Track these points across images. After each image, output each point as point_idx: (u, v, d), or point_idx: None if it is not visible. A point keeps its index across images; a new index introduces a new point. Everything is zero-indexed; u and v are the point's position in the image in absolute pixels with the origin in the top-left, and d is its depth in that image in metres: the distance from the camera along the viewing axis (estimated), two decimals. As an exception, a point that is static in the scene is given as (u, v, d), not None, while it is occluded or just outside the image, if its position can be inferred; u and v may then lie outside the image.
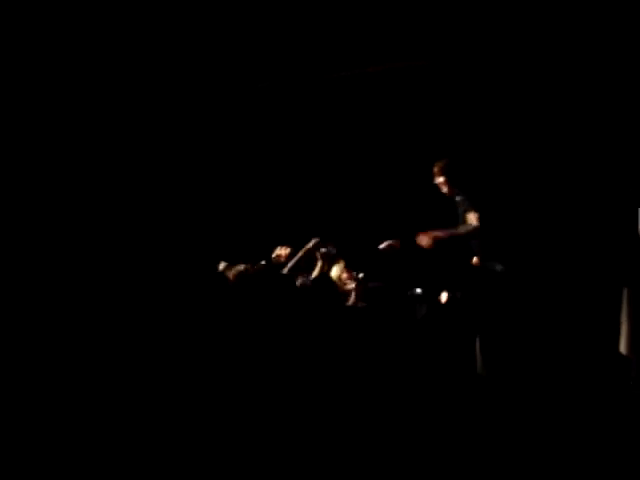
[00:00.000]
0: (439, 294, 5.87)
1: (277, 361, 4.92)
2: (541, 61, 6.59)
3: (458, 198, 5.85)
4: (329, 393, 4.90)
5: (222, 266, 5.73)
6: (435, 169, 5.90)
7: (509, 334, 5.66)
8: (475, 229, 5.65)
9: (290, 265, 5.78)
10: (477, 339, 5.64)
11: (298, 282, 5.52)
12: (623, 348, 6.03)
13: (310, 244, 5.89)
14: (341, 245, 6.04)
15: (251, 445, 4.46)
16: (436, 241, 5.60)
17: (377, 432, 4.76)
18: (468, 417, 5.02)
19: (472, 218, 5.65)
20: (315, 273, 5.76)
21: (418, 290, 5.85)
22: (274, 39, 6.74)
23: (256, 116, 7.48)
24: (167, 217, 7.23)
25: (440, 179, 5.87)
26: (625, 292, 6.18)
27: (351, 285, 5.81)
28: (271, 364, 4.90)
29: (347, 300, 5.61)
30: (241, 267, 5.44)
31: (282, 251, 6.06)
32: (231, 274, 5.39)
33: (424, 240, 5.61)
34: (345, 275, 5.93)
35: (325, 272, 5.82)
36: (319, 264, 5.83)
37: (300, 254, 5.87)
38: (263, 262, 5.96)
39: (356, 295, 5.62)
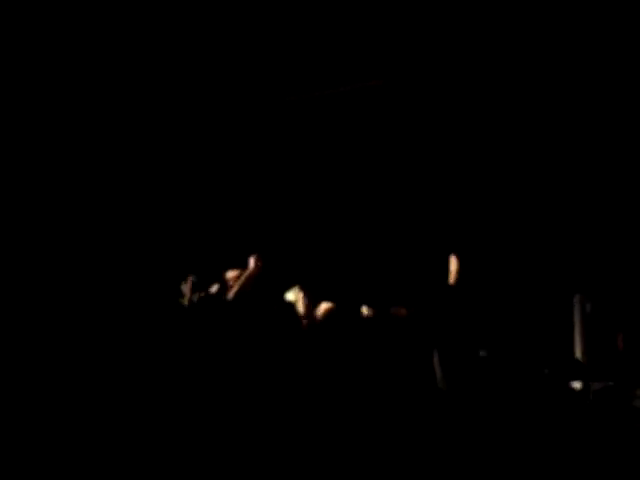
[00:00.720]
0: (396, 312, 5.86)
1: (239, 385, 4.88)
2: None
3: None
4: (290, 413, 4.86)
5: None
6: None
7: (466, 347, 5.68)
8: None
9: (234, 291, 5.60)
10: (435, 353, 5.64)
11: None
12: (578, 354, 6.11)
13: (251, 265, 5.68)
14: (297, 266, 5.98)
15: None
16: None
17: (340, 446, 4.74)
18: (429, 429, 5.02)
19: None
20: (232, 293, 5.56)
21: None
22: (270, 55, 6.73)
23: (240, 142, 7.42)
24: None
25: None
26: (577, 300, 6.27)
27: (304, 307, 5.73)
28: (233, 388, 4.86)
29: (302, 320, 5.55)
30: (193, 296, 5.36)
31: (232, 274, 5.94)
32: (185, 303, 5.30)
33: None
34: (303, 297, 5.84)
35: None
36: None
37: (243, 279, 5.68)
38: (216, 286, 5.85)
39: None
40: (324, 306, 5.74)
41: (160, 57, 6.81)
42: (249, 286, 5.56)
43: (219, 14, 6.51)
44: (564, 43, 6.50)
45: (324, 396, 5.08)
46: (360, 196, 7.15)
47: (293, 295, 5.80)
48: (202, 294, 5.49)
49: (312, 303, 5.74)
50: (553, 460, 5.17)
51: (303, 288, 5.90)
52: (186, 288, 5.45)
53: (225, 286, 5.91)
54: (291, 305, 5.60)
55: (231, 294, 5.53)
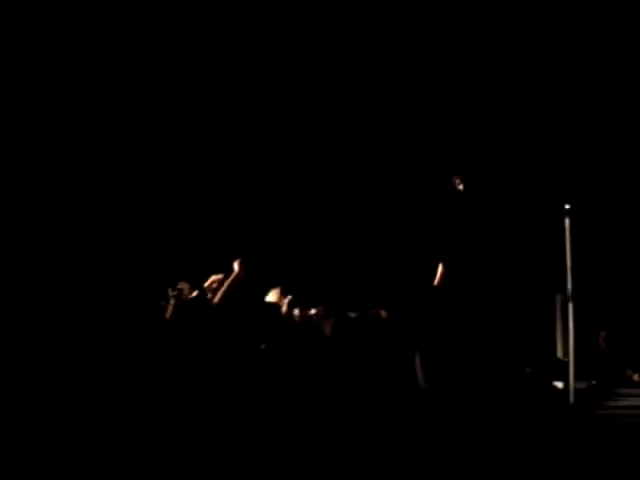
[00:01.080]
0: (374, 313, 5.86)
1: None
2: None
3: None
4: (274, 411, 4.86)
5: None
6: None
7: (448, 348, 5.68)
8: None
9: (221, 294, 5.61)
10: (417, 354, 5.64)
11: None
12: (559, 353, 6.12)
13: (236, 269, 5.68)
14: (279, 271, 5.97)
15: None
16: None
17: (324, 445, 4.74)
18: (411, 427, 5.03)
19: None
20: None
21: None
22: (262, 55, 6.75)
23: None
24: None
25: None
26: (558, 299, 6.28)
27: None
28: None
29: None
30: (173, 301, 5.37)
31: (215, 277, 5.94)
32: (168, 309, 5.31)
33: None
34: (283, 300, 5.85)
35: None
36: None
37: (229, 282, 5.69)
38: (196, 292, 5.85)
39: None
40: (305, 308, 5.77)
41: (159, 58, 6.81)
42: (234, 289, 5.58)
43: (219, 14, 6.52)
44: (563, 43, 6.53)
45: (307, 395, 5.08)
46: (350, 196, 7.17)
47: (273, 297, 5.82)
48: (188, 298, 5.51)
49: (293, 304, 5.76)
50: (536, 459, 5.17)
51: (283, 290, 5.92)
52: (171, 292, 5.47)
53: (205, 290, 5.92)
54: (274, 306, 5.62)
55: (218, 297, 5.56)
